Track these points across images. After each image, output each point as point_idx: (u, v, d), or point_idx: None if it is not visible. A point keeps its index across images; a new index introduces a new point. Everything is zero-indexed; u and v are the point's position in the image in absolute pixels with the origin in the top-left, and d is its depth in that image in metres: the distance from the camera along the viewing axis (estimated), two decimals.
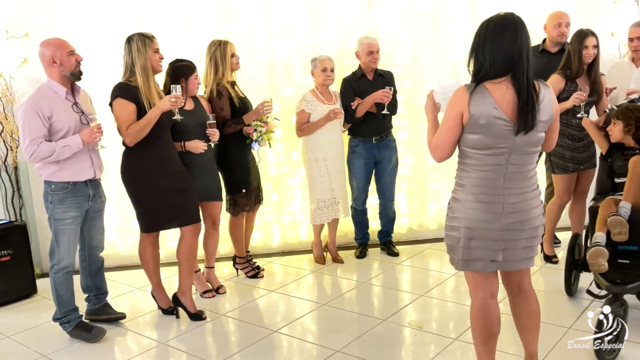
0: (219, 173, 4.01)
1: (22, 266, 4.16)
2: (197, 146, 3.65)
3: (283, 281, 4.27)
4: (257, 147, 4.13)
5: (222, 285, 4.10)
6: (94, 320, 3.54)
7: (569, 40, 4.10)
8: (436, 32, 4.84)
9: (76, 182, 3.24)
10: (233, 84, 4.07)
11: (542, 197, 2.42)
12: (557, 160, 3.94)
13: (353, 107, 4.35)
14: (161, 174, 3.39)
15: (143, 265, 3.66)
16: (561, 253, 4.23)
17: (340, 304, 3.78)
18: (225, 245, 4.77)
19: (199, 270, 4.04)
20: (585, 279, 3.51)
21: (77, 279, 3.46)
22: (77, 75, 3.23)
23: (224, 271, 4.50)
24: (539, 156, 2.73)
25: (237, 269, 4.40)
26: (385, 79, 4.43)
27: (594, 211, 3.22)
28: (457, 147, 2.32)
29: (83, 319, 3.46)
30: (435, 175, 5.03)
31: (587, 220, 3.49)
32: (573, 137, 3.87)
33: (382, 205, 4.71)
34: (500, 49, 2.16)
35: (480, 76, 2.21)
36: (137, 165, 3.40)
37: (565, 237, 4.12)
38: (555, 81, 3.78)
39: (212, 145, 3.84)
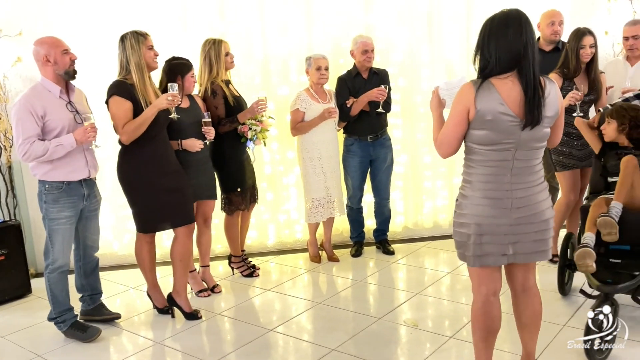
0: (214, 172, 4.01)
1: (17, 266, 4.15)
2: (194, 144, 3.65)
3: (278, 280, 4.27)
4: (252, 146, 4.13)
5: (217, 285, 4.09)
6: (88, 320, 3.53)
7: (563, 39, 4.12)
8: (431, 31, 4.85)
9: (70, 182, 3.22)
10: (228, 82, 4.06)
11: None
12: (557, 157, 3.95)
13: (348, 105, 4.35)
14: (158, 173, 3.38)
15: (139, 264, 3.65)
16: None
17: (335, 302, 3.78)
18: (220, 244, 4.77)
19: (195, 269, 4.04)
20: (580, 278, 3.52)
21: (71, 279, 3.45)
22: (71, 74, 3.21)
23: (220, 270, 4.49)
24: None
25: (232, 268, 4.40)
26: (380, 78, 4.43)
27: (585, 210, 3.20)
28: (462, 144, 2.32)
29: (78, 319, 3.45)
30: (430, 173, 5.04)
31: None
32: (571, 135, 3.88)
33: (378, 203, 4.72)
34: (505, 45, 2.17)
35: (486, 72, 2.21)
36: (133, 164, 3.39)
37: (561, 235, 4.13)
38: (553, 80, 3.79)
39: (208, 143, 3.84)
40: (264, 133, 4.12)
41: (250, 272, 4.35)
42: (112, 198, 4.40)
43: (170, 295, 3.62)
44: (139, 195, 3.43)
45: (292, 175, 4.85)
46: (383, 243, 4.78)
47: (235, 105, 3.99)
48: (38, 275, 4.53)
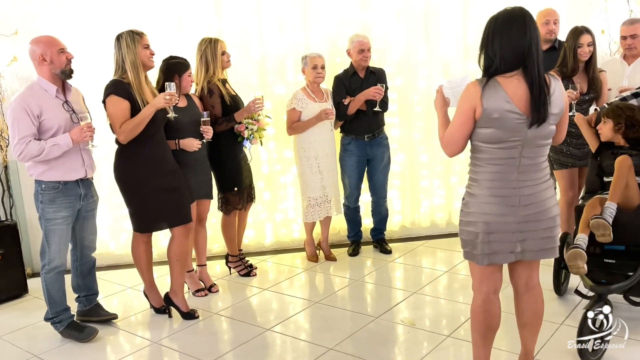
0: (211, 171, 4.00)
1: (13, 266, 4.14)
2: (191, 144, 3.64)
3: (276, 279, 4.27)
4: (248, 145, 4.13)
5: (214, 284, 4.09)
6: (85, 321, 3.51)
7: (560, 37, 4.12)
8: (428, 30, 4.85)
9: (67, 182, 3.21)
10: (224, 81, 4.06)
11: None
12: (555, 155, 3.95)
13: (345, 103, 4.34)
14: (155, 173, 3.37)
15: (136, 264, 3.64)
16: None
17: (333, 301, 3.78)
18: (217, 243, 4.76)
19: (193, 269, 4.03)
20: (576, 278, 3.52)
21: (68, 278, 3.43)
22: (67, 73, 3.20)
23: (217, 270, 4.49)
24: None
25: (229, 268, 4.40)
26: (377, 76, 4.43)
27: (579, 210, 3.18)
28: (469, 142, 2.32)
29: (74, 319, 3.44)
30: (427, 172, 5.05)
31: None
32: (571, 134, 3.88)
33: (375, 202, 4.72)
34: (509, 44, 2.17)
35: (491, 71, 2.21)
36: (130, 164, 3.38)
37: None
38: None
39: (205, 142, 3.83)
40: (261, 132, 4.11)
41: (248, 271, 4.35)
42: (109, 198, 4.39)
43: (167, 295, 3.62)
44: (135, 195, 3.42)
45: (289, 174, 4.85)
46: (380, 242, 4.78)
47: (232, 105, 3.99)
48: (34, 275, 4.51)
